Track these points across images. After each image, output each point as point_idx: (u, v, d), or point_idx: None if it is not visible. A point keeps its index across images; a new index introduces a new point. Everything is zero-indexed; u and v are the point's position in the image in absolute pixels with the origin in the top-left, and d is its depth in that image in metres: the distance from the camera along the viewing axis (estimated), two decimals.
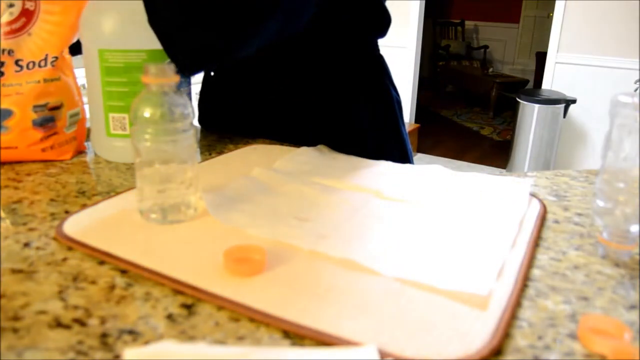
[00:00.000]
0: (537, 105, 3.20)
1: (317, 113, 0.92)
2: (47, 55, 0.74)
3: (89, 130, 0.82)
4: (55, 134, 0.77)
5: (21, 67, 0.73)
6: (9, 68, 0.72)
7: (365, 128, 0.93)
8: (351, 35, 0.91)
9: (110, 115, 0.75)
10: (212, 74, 1.02)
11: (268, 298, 0.43)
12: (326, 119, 0.91)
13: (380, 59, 0.97)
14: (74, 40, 0.79)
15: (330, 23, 0.88)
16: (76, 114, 0.81)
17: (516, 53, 6.85)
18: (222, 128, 0.96)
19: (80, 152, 0.82)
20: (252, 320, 0.41)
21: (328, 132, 0.90)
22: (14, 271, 0.47)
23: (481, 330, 0.39)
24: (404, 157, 0.98)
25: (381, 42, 0.99)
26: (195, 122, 0.61)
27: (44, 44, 0.74)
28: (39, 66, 0.74)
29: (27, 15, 0.72)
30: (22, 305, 0.42)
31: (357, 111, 0.93)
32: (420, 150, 4.42)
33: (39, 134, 0.75)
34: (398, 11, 3.95)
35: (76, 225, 0.55)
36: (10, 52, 0.72)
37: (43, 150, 0.76)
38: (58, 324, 0.40)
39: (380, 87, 0.96)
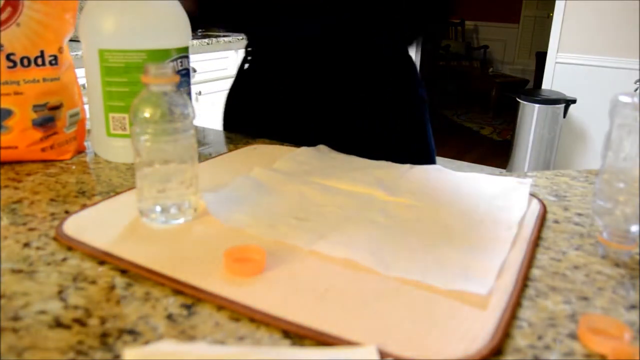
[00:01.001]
0: (537, 105, 3.19)
1: (348, 113, 0.92)
2: (42, 51, 0.74)
3: (89, 130, 0.82)
4: (55, 133, 0.77)
5: (14, 62, 0.72)
6: (1, 64, 0.71)
7: (392, 127, 0.94)
8: (391, 34, 0.92)
9: (110, 115, 0.75)
10: (241, 77, 1.03)
11: (268, 298, 0.43)
12: (357, 120, 0.92)
13: (409, 59, 0.97)
14: (69, 36, 0.78)
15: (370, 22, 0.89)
16: (76, 114, 0.81)
17: (516, 53, 6.85)
18: (249, 133, 0.94)
19: (80, 152, 0.82)
20: (252, 320, 0.41)
21: (357, 132, 0.91)
22: (14, 271, 0.47)
23: (481, 330, 0.39)
24: (428, 157, 1.00)
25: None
26: (196, 122, 0.61)
27: (37, 38, 0.73)
28: (36, 64, 0.73)
29: (12, 5, 0.70)
30: (22, 305, 0.42)
31: (387, 112, 0.94)
32: None
33: (39, 133, 0.75)
34: None
35: (76, 225, 0.55)
36: None
37: (43, 150, 0.76)
38: (58, 324, 0.40)
39: (409, 88, 0.97)
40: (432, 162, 1.00)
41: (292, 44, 0.92)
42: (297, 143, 0.85)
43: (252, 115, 1.00)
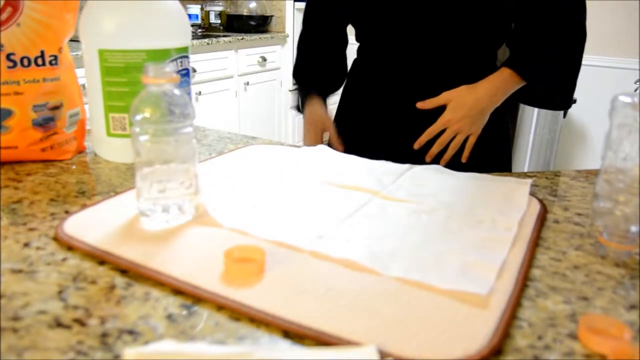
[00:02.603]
0: None
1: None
2: (42, 51, 0.74)
3: (89, 130, 0.82)
4: (55, 134, 0.77)
5: (14, 62, 0.72)
6: (1, 64, 0.71)
7: (506, 139, 1.05)
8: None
9: (110, 115, 0.75)
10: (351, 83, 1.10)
11: (268, 298, 0.43)
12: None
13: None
14: (69, 36, 0.78)
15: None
16: (76, 114, 0.81)
17: None
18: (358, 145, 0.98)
19: (80, 152, 0.82)
20: (252, 320, 0.41)
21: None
22: (14, 271, 0.47)
23: (481, 330, 0.39)
24: (508, 162, 1.07)
25: None
26: (196, 122, 0.61)
27: (37, 38, 0.73)
28: (36, 64, 0.73)
29: (12, 5, 0.70)
30: (22, 305, 0.42)
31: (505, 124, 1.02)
32: None
33: (38, 133, 0.75)
34: None
35: (76, 225, 0.55)
36: None
37: (43, 150, 0.76)
38: (58, 324, 0.40)
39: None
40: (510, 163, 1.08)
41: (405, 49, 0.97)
42: (400, 156, 0.86)
43: (362, 124, 1.05)
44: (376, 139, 1.01)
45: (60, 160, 0.78)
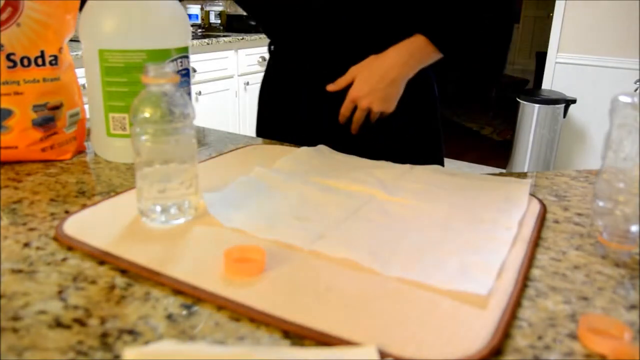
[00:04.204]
0: (537, 105, 3.19)
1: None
2: (42, 51, 0.74)
3: (89, 130, 0.82)
4: (55, 133, 0.77)
5: (14, 62, 0.72)
6: (1, 64, 0.71)
7: (407, 122, 0.96)
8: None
9: (110, 115, 0.75)
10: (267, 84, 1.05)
11: (268, 298, 0.43)
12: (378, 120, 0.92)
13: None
14: (70, 36, 0.78)
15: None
16: (76, 114, 0.81)
17: (516, 53, 6.84)
18: (281, 138, 0.95)
19: (80, 152, 0.82)
20: (252, 320, 0.41)
21: (376, 129, 0.91)
22: (14, 271, 0.47)
23: (481, 330, 0.39)
24: (437, 153, 1.01)
25: None
26: (196, 122, 0.62)
27: (37, 38, 0.73)
28: (36, 64, 0.73)
29: (13, 5, 0.70)
30: (22, 305, 0.42)
31: (406, 110, 0.94)
32: None
33: (38, 133, 0.75)
34: None
35: (76, 225, 0.55)
36: None
37: (43, 150, 0.76)
38: (58, 324, 0.40)
39: (426, 86, 0.97)
40: (441, 155, 1.02)
41: (312, 42, 0.93)
42: (315, 140, 0.85)
43: (281, 117, 1.02)
44: (301, 127, 0.97)
45: (61, 160, 0.78)
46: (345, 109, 0.89)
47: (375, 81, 0.85)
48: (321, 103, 0.94)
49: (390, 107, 0.88)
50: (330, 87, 0.90)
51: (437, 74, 0.99)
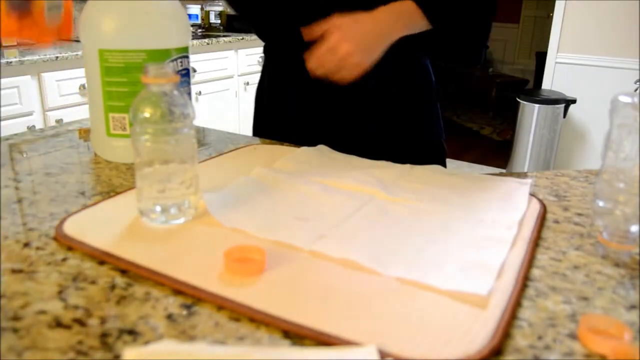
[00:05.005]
0: (537, 105, 3.19)
1: (363, 106, 0.91)
2: None
3: (89, 129, 0.81)
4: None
5: None
6: None
7: (408, 118, 0.94)
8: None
9: (110, 115, 0.75)
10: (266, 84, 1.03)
11: (268, 298, 0.43)
12: (372, 113, 0.90)
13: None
14: None
15: None
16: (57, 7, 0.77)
17: (516, 53, 6.84)
18: (278, 137, 0.93)
19: (63, 39, 0.78)
20: (252, 320, 0.41)
21: (372, 126, 0.89)
22: (14, 271, 0.47)
23: (481, 330, 0.39)
24: (439, 149, 1.00)
25: None
26: (196, 122, 0.61)
27: None
28: None
29: None
30: (22, 305, 0.42)
31: (404, 103, 0.92)
32: None
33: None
34: None
35: (76, 225, 0.55)
36: None
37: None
38: (58, 324, 0.40)
39: (425, 80, 0.96)
40: (443, 153, 1.01)
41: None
42: (311, 139, 0.84)
43: (276, 116, 1.00)
44: (295, 125, 0.96)
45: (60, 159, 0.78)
46: (319, 53, 0.79)
47: (362, 32, 0.78)
48: (315, 101, 0.93)
49: (368, 61, 0.80)
50: (305, 33, 0.81)
51: (430, 59, 0.97)
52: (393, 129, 0.94)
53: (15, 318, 0.40)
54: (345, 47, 0.77)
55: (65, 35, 0.73)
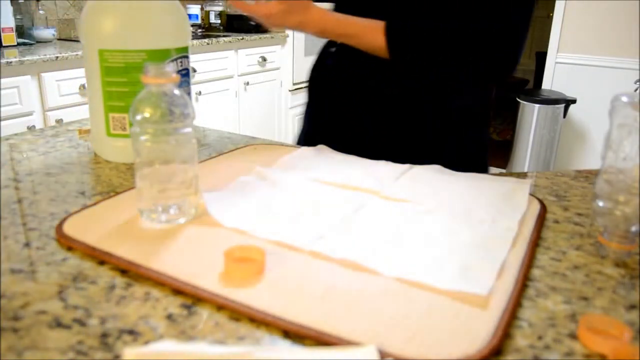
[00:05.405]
0: (537, 105, 3.19)
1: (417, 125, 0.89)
2: None
3: (89, 130, 0.82)
4: None
5: None
6: None
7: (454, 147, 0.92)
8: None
9: (110, 115, 0.75)
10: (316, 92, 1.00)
11: (268, 298, 0.43)
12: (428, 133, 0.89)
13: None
14: None
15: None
16: None
17: None
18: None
19: None
20: (252, 320, 0.41)
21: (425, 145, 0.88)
22: (14, 271, 0.47)
23: (481, 330, 0.39)
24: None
25: None
26: (196, 122, 0.61)
27: None
28: None
29: None
30: (22, 305, 0.42)
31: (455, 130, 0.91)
32: None
33: None
34: None
35: (76, 225, 0.55)
36: None
37: None
38: (58, 324, 0.40)
39: (478, 109, 0.94)
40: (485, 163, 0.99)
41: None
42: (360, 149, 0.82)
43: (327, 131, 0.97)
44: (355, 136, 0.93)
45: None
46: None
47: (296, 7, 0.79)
48: (364, 113, 0.91)
49: (283, 22, 0.81)
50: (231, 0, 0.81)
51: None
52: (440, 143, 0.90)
53: (15, 318, 0.40)
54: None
55: None
